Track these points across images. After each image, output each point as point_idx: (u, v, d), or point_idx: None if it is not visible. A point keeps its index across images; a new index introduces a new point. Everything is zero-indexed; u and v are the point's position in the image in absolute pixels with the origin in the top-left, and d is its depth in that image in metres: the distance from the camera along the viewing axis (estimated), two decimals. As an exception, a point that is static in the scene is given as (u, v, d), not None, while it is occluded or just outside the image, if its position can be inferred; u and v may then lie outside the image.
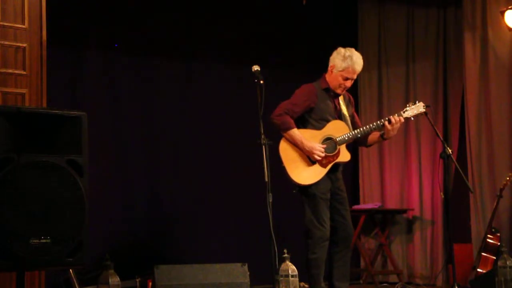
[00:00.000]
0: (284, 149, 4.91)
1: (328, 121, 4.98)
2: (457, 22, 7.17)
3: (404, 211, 7.33)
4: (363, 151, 7.55)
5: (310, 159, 4.90)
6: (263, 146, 4.33)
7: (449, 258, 6.45)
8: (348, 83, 5.03)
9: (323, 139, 4.94)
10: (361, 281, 7.28)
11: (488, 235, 6.11)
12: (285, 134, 4.91)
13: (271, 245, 4.15)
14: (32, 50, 4.45)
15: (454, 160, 5.24)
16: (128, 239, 6.40)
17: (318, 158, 4.88)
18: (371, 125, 5.01)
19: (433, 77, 7.34)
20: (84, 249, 3.66)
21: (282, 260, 4.02)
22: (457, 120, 7.14)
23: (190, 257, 6.26)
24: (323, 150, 4.89)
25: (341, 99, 5.10)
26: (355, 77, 5.04)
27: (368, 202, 7.49)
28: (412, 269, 7.30)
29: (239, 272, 4.40)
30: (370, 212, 7.14)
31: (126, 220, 6.42)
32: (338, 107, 5.06)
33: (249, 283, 4.42)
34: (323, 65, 5.10)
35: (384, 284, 7.03)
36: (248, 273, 4.43)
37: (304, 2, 6.83)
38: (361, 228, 7.12)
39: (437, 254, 7.14)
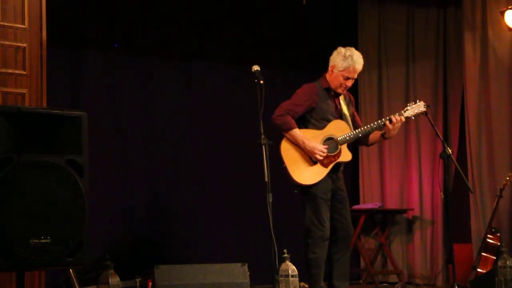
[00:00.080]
0: (286, 149, 4.90)
1: (329, 121, 4.97)
2: (457, 22, 7.17)
3: (404, 211, 7.33)
4: (363, 151, 7.54)
5: (311, 159, 4.90)
6: (263, 146, 4.32)
7: (449, 258, 6.45)
8: (349, 83, 5.02)
9: (324, 139, 4.94)
10: (361, 281, 7.27)
11: (488, 235, 6.11)
12: (286, 134, 4.91)
13: (271, 245, 4.14)
14: (32, 50, 4.44)
15: (454, 160, 5.24)
16: (128, 239, 6.41)
17: (320, 158, 4.88)
18: (372, 124, 5.01)
19: (433, 77, 7.33)
20: (84, 249, 3.65)
21: (282, 260, 4.01)
22: (457, 120, 7.13)
23: (190, 257, 6.26)
24: (324, 150, 4.89)
25: (341, 98, 5.09)
26: (356, 76, 5.04)
27: (368, 202, 7.48)
28: (412, 269, 7.29)
29: (239, 272, 4.40)
30: (370, 212, 7.13)
31: (126, 220, 6.43)
32: (339, 106, 5.06)
33: (249, 283, 4.41)
34: (323, 65, 5.10)
35: (384, 284, 7.03)
36: (248, 273, 4.42)
37: (304, 2, 6.83)
38: (361, 228, 7.11)
39: (437, 254, 7.13)
